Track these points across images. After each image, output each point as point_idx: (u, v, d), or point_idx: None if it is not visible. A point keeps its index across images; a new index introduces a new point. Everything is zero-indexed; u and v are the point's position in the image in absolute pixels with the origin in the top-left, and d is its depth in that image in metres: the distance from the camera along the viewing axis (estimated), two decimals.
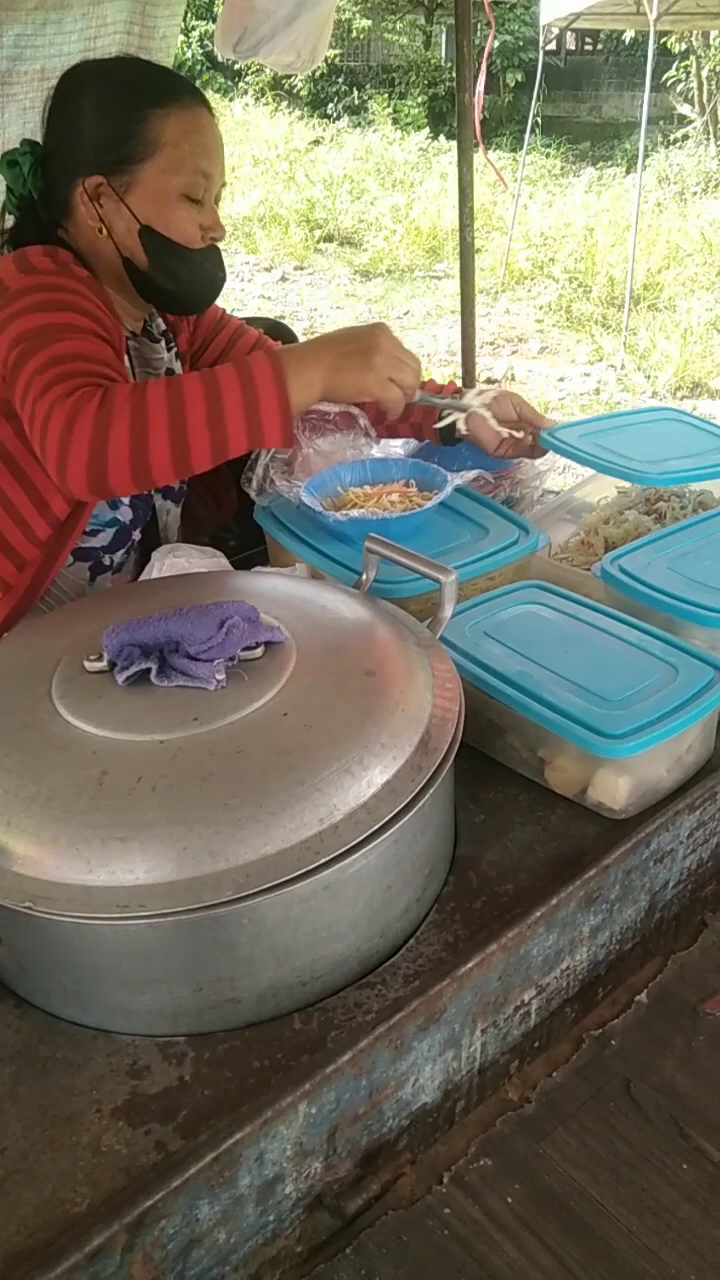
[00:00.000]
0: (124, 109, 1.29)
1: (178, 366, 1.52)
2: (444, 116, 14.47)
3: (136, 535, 1.48)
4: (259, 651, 0.98)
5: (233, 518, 1.95)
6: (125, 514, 1.43)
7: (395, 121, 13.63)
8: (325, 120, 14.12)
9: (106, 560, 1.44)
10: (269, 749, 0.87)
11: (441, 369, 6.41)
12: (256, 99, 14.17)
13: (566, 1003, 1.05)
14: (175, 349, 1.52)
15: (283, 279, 8.28)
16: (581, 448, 1.49)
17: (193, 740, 0.88)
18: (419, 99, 14.90)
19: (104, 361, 1.20)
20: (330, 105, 15.16)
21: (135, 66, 1.38)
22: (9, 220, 1.43)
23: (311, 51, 2.18)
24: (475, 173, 3.21)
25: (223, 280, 1.43)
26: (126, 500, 1.42)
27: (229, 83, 14.96)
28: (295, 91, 15.10)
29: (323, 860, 0.81)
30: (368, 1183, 0.88)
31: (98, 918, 0.78)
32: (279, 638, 1.00)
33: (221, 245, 1.42)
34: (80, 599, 1.18)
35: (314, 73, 12.83)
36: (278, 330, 2.19)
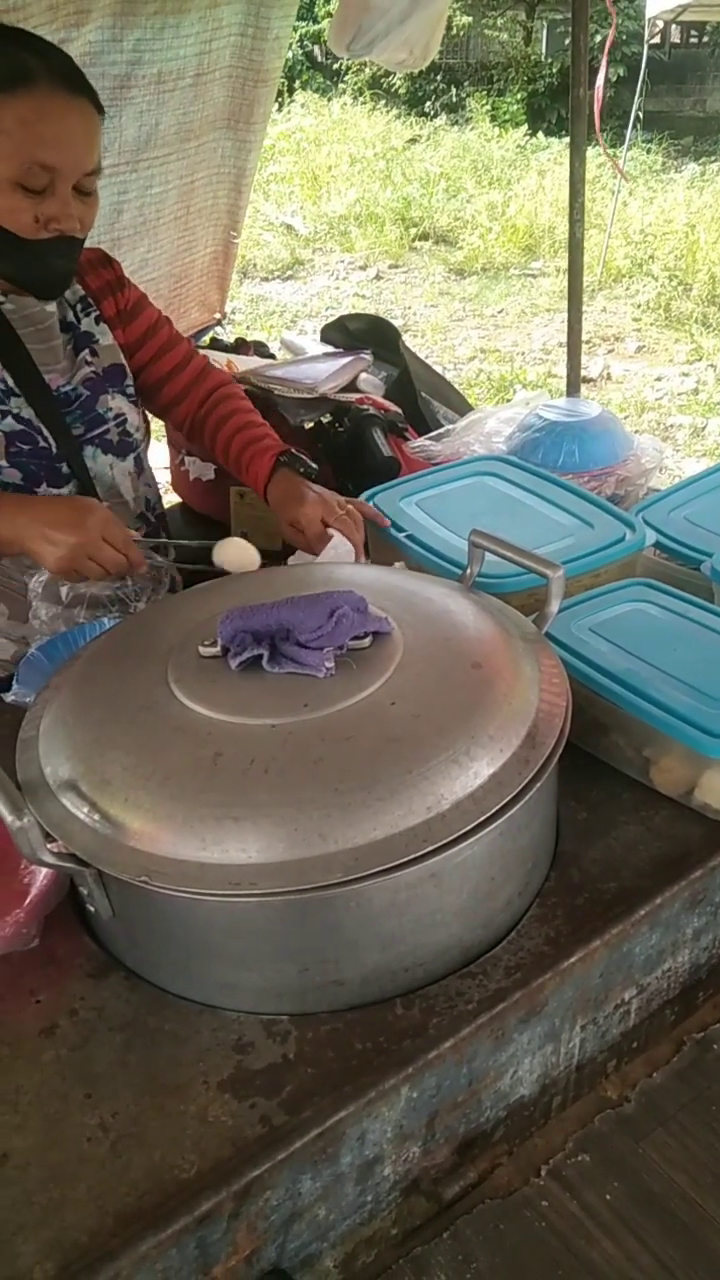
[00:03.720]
0: None
1: (99, 331, 1.50)
2: (543, 113, 14.33)
3: (45, 491, 1.44)
4: (367, 641, 0.99)
5: None
6: (12, 475, 1.41)
7: (493, 118, 13.54)
8: (423, 118, 14.11)
9: None
10: (377, 736, 0.88)
11: (536, 367, 6.36)
12: (355, 98, 14.22)
13: (666, 1004, 1.04)
14: (96, 313, 1.51)
15: (377, 277, 8.31)
16: None
17: (303, 725, 0.90)
18: (518, 95, 14.77)
19: None
20: (428, 103, 15.13)
21: None
22: None
23: (424, 48, 2.19)
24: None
25: (68, 272, 1.39)
26: (5, 462, 1.40)
27: (328, 82, 15.05)
28: (393, 90, 15.12)
29: (430, 848, 0.81)
30: (464, 1170, 0.88)
31: (211, 894, 0.80)
32: (387, 628, 1.01)
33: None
34: (193, 589, 1.20)
35: (412, 71, 12.85)
36: (380, 325, 2.21)
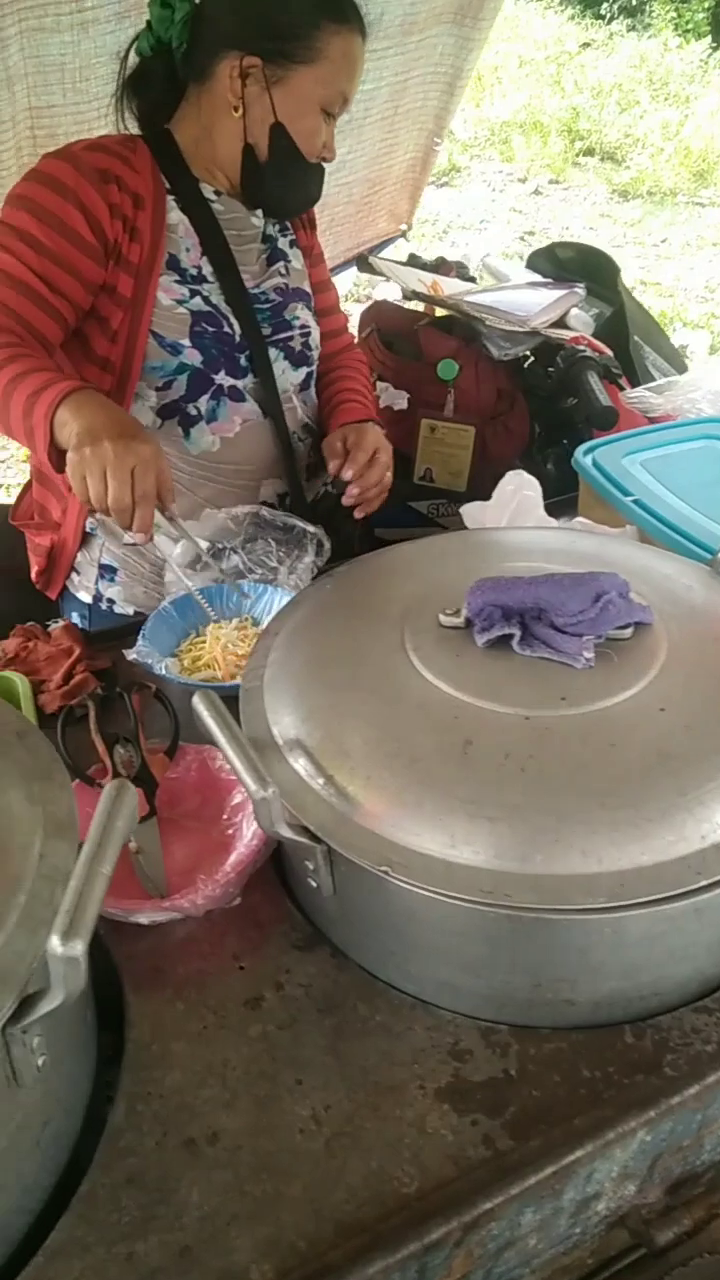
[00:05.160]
0: (306, 9, 1.31)
1: (292, 254, 1.52)
2: None
3: (222, 379, 1.41)
4: (628, 632, 0.90)
5: (521, 455, 1.86)
6: (192, 356, 1.38)
7: (676, 27, 12.61)
8: (599, 21, 13.22)
9: (191, 410, 1.40)
10: (646, 748, 0.80)
11: (699, 306, 6.00)
12: None
13: None
14: (291, 238, 1.53)
15: (536, 192, 7.88)
16: None
17: (561, 722, 0.82)
18: (705, 3, 13.71)
19: (18, 317, 1.26)
20: (605, 4, 14.17)
21: None
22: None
23: None
24: None
25: (316, 198, 1.47)
26: (188, 341, 1.38)
27: None
28: None
29: (704, 883, 0.74)
30: (678, 1215, 0.83)
31: (462, 898, 0.74)
32: (649, 619, 0.92)
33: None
34: (419, 541, 1.12)
35: None
36: (596, 258, 2.05)
